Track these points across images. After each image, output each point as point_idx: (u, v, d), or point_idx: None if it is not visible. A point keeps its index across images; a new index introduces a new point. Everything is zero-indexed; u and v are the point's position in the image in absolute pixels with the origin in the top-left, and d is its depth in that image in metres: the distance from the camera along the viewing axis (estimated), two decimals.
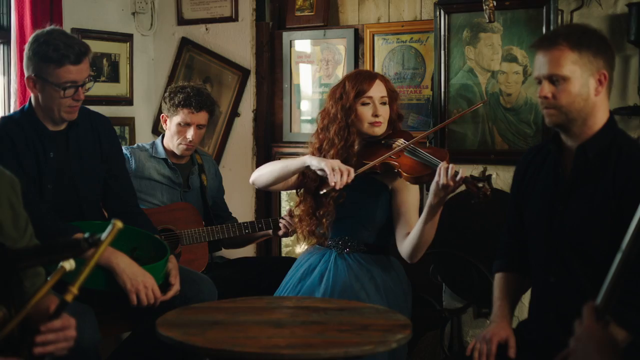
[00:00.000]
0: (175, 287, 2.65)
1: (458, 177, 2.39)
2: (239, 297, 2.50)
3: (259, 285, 3.20)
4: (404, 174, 2.63)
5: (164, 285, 2.64)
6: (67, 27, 3.73)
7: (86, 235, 1.63)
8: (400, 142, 2.75)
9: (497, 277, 2.39)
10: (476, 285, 3.06)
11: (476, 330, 3.31)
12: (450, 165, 2.43)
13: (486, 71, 3.26)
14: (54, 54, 2.53)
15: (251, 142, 4.12)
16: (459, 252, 3.17)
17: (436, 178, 2.45)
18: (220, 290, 2.85)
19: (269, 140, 4.15)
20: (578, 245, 2.12)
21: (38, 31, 2.63)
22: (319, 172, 2.65)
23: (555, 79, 2.08)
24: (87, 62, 2.62)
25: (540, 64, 2.11)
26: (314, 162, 2.65)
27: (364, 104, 2.77)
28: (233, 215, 3.66)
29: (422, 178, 2.59)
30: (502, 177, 3.27)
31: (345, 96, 2.78)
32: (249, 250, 3.93)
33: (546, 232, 2.19)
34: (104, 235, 1.66)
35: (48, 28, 2.64)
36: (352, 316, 2.22)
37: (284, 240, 4.10)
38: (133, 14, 4.25)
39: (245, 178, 3.99)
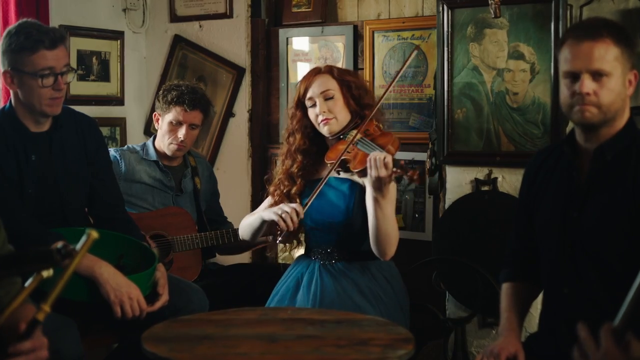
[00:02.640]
0: (164, 298, 2.58)
1: (387, 164, 2.37)
2: (233, 305, 2.45)
3: (254, 292, 3.15)
4: (353, 169, 2.58)
5: (152, 296, 2.56)
6: (54, 23, 3.67)
7: (59, 245, 1.54)
8: (353, 133, 2.68)
9: (505, 287, 2.31)
10: (481, 293, 3.00)
11: (481, 341, 3.24)
12: (378, 154, 2.40)
13: (491, 69, 3.18)
14: (27, 41, 2.47)
15: (246, 143, 4.08)
16: (462, 259, 3.11)
17: (368, 171, 2.43)
18: (213, 298, 2.81)
19: (265, 141, 4.11)
20: (594, 253, 2.03)
21: (9, 27, 2.56)
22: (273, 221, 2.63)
23: (598, 75, 1.97)
24: (64, 49, 2.56)
25: (583, 55, 1.98)
26: (266, 215, 2.66)
27: (310, 106, 2.74)
28: (229, 220, 3.61)
29: (366, 171, 2.51)
30: (508, 180, 3.18)
31: (293, 102, 2.81)
32: (244, 257, 3.88)
33: (559, 240, 2.10)
34: (78, 246, 1.55)
35: (19, 21, 2.57)
36: (351, 329, 2.13)
37: (280, 245, 4.00)
38: (124, 10, 4.20)
39: (240, 180, 4.05)
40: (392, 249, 2.59)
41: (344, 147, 2.63)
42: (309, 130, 2.77)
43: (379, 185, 2.43)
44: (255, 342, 2.01)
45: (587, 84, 1.97)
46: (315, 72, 2.78)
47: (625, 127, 2.05)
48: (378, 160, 2.39)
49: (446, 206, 3.25)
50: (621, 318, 1.28)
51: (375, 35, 3.68)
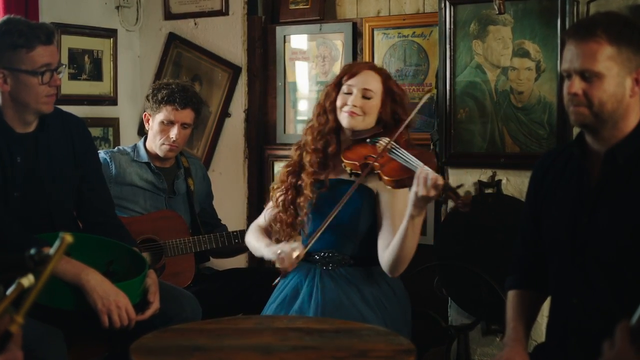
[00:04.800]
0: (155, 306, 2.53)
1: (438, 186, 2.24)
2: (228, 312, 2.44)
3: (250, 298, 3.11)
4: (385, 177, 2.47)
5: (143, 304, 2.51)
6: (45, 21, 3.58)
7: (32, 251, 1.46)
8: (385, 140, 2.59)
9: (511, 295, 2.26)
10: (485, 300, 2.98)
11: (485, 349, 3.21)
12: (430, 173, 2.27)
13: (496, 67, 3.15)
14: (21, 39, 2.42)
15: (243, 144, 4.06)
16: (465, 264, 3.08)
17: (414, 187, 2.29)
18: (207, 305, 2.76)
19: (262, 142, 4.10)
20: (605, 261, 1.97)
21: None
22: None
23: (587, 75, 1.93)
24: (56, 45, 2.55)
25: (572, 55, 1.96)
26: (266, 254, 2.63)
27: (345, 92, 2.65)
28: (223, 222, 3.59)
29: (404, 181, 2.42)
30: (512, 183, 3.15)
31: (333, 81, 2.73)
32: (240, 261, 3.86)
33: (569, 247, 2.04)
34: (52, 251, 1.46)
35: (3, 18, 2.52)
36: (350, 339, 2.06)
37: None
38: (117, 7, 4.18)
39: (236, 182, 4.06)
40: (404, 267, 2.51)
41: (370, 152, 2.54)
42: (337, 114, 2.69)
43: (423, 204, 2.32)
44: (249, 354, 1.95)
45: (575, 85, 1.95)
46: (368, 66, 2.72)
47: (636, 129, 1.99)
48: (429, 179, 2.25)
49: (448, 209, 3.22)
50: (638, 317, 1.26)
51: (375, 32, 3.69)
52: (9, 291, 1.50)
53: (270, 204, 2.77)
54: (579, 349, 2.00)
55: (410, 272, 2.96)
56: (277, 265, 2.52)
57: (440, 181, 2.24)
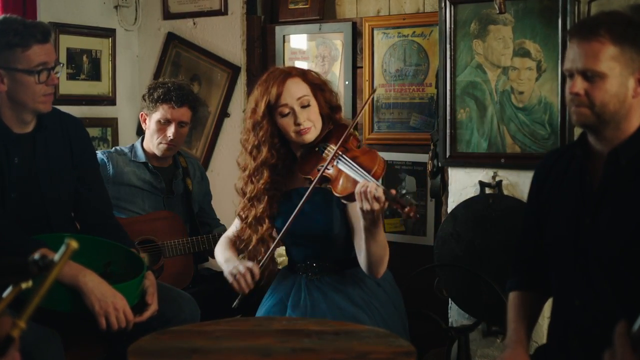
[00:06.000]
0: (153, 307, 2.52)
1: (379, 199, 2.18)
2: (226, 313, 2.41)
3: (248, 300, 2.96)
4: (335, 193, 2.40)
5: (141, 305, 2.50)
6: (43, 21, 3.56)
7: (36, 256, 1.44)
8: (331, 148, 2.49)
9: (512, 297, 2.25)
10: (485, 301, 2.95)
11: (485, 350, 3.18)
12: (369, 186, 2.20)
13: (496, 67, 3.13)
14: (16, 38, 2.41)
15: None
16: (465, 265, 3.05)
17: (357, 203, 2.23)
18: (205, 306, 2.76)
19: None
20: (608, 263, 1.95)
21: None
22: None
23: (590, 75, 1.92)
24: (52, 43, 2.52)
25: (575, 55, 1.94)
26: (225, 271, 2.56)
27: (282, 115, 2.50)
28: (221, 222, 3.57)
29: (353, 196, 2.31)
30: (513, 183, 3.12)
31: (257, 109, 2.53)
32: None
33: (571, 248, 2.02)
34: (57, 257, 1.44)
35: None
36: (349, 341, 2.04)
37: (278, 250, 3.95)
38: (116, 7, 4.19)
39: (235, 182, 3.92)
40: (384, 267, 2.45)
41: (320, 162, 2.47)
42: (276, 141, 2.55)
43: (372, 217, 2.25)
44: (247, 356, 1.92)
45: (577, 84, 1.93)
46: (285, 76, 2.53)
47: (639, 130, 1.97)
48: (369, 194, 2.19)
49: (449, 210, 3.20)
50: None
51: (375, 32, 3.68)
52: (5, 294, 1.49)
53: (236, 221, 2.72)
54: (581, 351, 1.98)
55: (410, 273, 2.97)
56: (233, 286, 2.47)
57: (380, 193, 2.18)
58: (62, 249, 1.46)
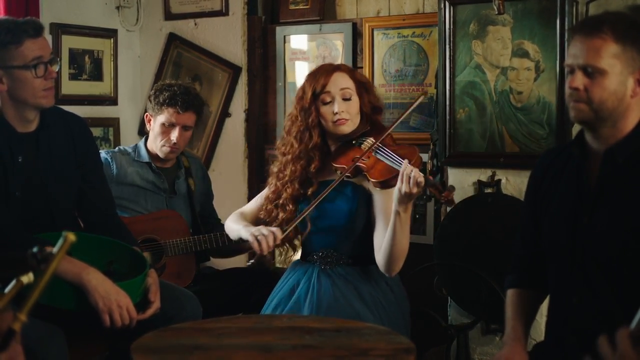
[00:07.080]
0: (155, 305, 2.51)
1: (420, 184, 2.28)
2: (228, 311, 2.41)
3: (249, 298, 3.10)
4: (371, 179, 2.49)
5: (143, 303, 2.50)
6: (45, 22, 3.63)
7: (34, 250, 1.46)
8: (370, 141, 2.60)
9: (510, 294, 2.25)
10: (484, 299, 2.97)
11: (484, 348, 3.20)
12: (413, 171, 2.30)
13: (495, 67, 3.15)
14: (8, 36, 2.42)
15: (243, 144, 4.07)
16: (464, 264, 3.07)
17: (398, 184, 2.33)
18: (207, 304, 2.75)
19: (262, 142, 4.10)
20: (605, 261, 1.96)
21: None
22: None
23: (590, 71, 1.92)
24: (46, 38, 2.53)
25: (577, 50, 1.95)
26: (243, 233, 2.60)
27: (324, 102, 2.62)
28: (223, 222, 3.44)
29: (389, 182, 2.43)
30: (512, 182, 3.14)
31: (305, 96, 2.65)
32: (240, 260, 3.82)
33: (568, 247, 2.03)
34: (55, 250, 1.46)
35: None
36: (350, 339, 2.06)
37: (278, 249, 3.98)
38: (117, 8, 4.19)
39: (236, 182, 4.05)
40: (400, 265, 2.51)
41: (357, 154, 2.55)
42: (322, 127, 2.66)
43: (407, 200, 2.34)
44: (249, 352, 1.94)
45: (577, 79, 1.94)
46: (333, 69, 2.67)
47: (636, 129, 1.98)
48: (412, 177, 2.28)
49: (448, 209, 3.20)
50: (638, 322, 1.26)
51: (375, 33, 3.68)
52: (8, 289, 1.51)
53: (265, 192, 2.77)
54: (578, 348, 1.96)
55: (410, 271, 2.97)
56: (253, 246, 2.51)
57: (421, 179, 2.27)
58: (60, 241, 1.48)
